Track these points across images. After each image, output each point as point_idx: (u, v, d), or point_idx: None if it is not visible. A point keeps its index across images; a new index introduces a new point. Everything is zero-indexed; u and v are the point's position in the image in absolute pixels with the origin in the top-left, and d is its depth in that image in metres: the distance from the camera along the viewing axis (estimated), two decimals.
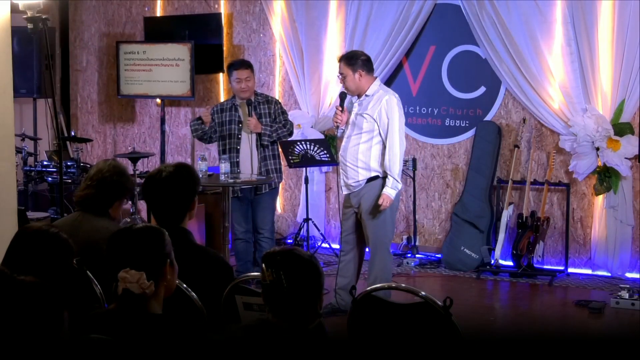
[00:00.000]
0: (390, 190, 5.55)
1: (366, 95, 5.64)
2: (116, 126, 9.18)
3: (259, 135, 6.49)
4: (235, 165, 6.53)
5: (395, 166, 5.56)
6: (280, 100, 6.96)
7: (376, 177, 5.64)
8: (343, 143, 5.78)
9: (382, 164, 5.62)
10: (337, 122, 5.73)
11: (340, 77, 5.72)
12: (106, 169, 3.91)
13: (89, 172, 3.99)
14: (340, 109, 5.73)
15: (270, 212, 6.71)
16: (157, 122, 8.69)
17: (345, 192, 5.81)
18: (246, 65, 6.65)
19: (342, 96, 5.82)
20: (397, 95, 5.71)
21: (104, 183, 3.87)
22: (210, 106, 7.04)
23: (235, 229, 6.68)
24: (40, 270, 2.76)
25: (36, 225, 3.19)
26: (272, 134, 6.51)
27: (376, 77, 5.80)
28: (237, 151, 6.55)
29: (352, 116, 5.70)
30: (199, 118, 6.69)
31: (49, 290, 2.05)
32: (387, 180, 5.57)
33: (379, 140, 5.62)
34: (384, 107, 5.56)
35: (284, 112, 6.69)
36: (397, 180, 5.57)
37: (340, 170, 5.83)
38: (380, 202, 5.55)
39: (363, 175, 5.65)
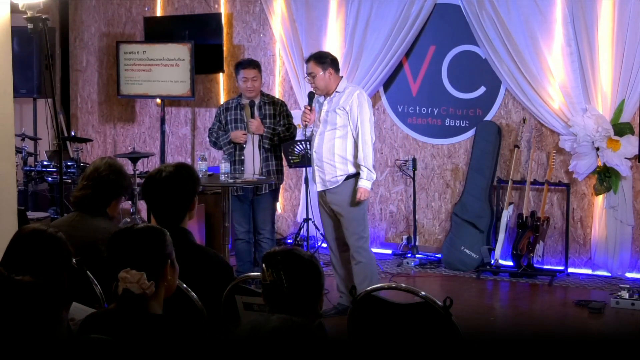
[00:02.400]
0: (366, 183, 5.69)
1: (337, 92, 5.79)
2: (116, 126, 9.18)
3: (261, 136, 6.49)
4: (240, 163, 6.53)
5: (368, 158, 5.69)
6: (286, 103, 6.92)
7: (353, 176, 5.73)
8: (316, 141, 5.86)
9: (357, 156, 5.71)
10: (305, 121, 5.87)
11: (308, 77, 5.87)
12: (102, 167, 3.88)
13: (85, 172, 3.95)
14: (309, 108, 5.88)
15: (271, 212, 6.70)
16: (157, 122, 8.69)
17: (320, 188, 5.89)
18: (254, 65, 6.65)
19: (311, 96, 5.97)
20: (365, 91, 5.97)
21: (100, 182, 3.84)
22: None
23: (236, 229, 6.68)
24: (38, 270, 2.76)
25: (34, 225, 3.18)
26: (273, 137, 6.51)
27: (342, 77, 5.92)
28: (242, 149, 6.54)
29: (323, 114, 5.82)
30: (231, 140, 6.56)
31: (46, 290, 2.04)
32: (361, 172, 5.69)
33: (352, 133, 5.74)
34: (355, 101, 5.69)
35: (288, 115, 6.67)
36: (371, 171, 5.71)
37: (315, 167, 5.89)
38: (358, 196, 5.67)
39: (341, 170, 5.75)
